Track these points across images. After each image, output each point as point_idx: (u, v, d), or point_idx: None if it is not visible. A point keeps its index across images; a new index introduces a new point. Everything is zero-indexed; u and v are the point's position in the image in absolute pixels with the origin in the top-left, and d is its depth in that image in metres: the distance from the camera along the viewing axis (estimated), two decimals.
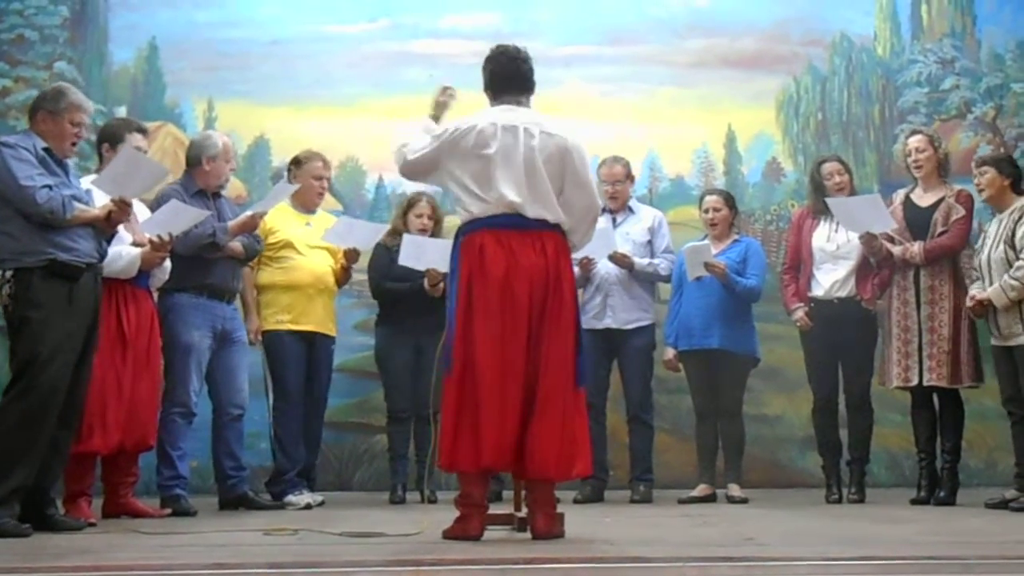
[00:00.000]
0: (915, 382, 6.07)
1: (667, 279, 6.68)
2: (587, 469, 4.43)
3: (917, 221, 6.18)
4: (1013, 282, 5.64)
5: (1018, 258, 5.67)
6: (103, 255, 4.97)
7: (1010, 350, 5.74)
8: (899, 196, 6.39)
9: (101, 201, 4.95)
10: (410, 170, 4.60)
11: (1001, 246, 5.77)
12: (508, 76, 4.50)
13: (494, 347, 4.21)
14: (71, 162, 5.07)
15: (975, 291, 5.86)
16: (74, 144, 4.93)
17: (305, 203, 6.33)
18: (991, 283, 5.76)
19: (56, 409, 4.67)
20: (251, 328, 6.18)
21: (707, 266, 6.34)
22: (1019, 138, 7.82)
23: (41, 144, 4.80)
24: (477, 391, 4.19)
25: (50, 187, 4.68)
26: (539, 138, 4.37)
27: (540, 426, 4.19)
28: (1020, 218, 5.76)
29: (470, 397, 4.20)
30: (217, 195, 5.99)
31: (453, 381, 4.26)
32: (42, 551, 4.00)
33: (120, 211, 4.86)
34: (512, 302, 4.24)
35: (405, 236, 6.22)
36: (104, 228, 4.89)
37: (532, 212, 4.32)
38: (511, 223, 4.31)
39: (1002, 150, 7.37)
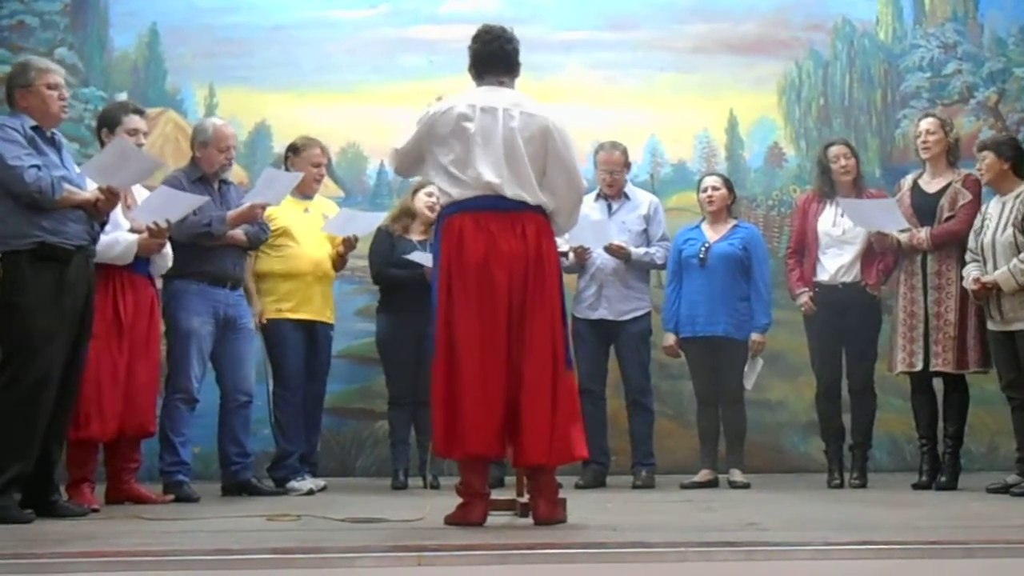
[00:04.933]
0: (919, 367, 6.04)
1: (663, 267, 6.68)
2: (583, 452, 4.41)
3: (924, 207, 6.15)
4: (1023, 266, 5.63)
5: None
6: (95, 238, 4.90)
7: (1011, 335, 5.72)
8: (907, 182, 6.35)
9: (94, 186, 4.89)
10: (400, 163, 4.54)
11: (1009, 229, 5.72)
12: (492, 56, 4.44)
13: (474, 333, 4.19)
14: (66, 144, 5.02)
15: (977, 273, 5.81)
16: (62, 108, 4.85)
17: (303, 189, 6.29)
18: (995, 266, 5.72)
19: (50, 396, 4.62)
20: (254, 314, 6.14)
21: (754, 351, 6.42)
22: (1021, 123, 7.77)
23: (30, 123, 4.73)
24: (460, 378, 4.18)
25: (38, 167, 4.62)
26: (519, 119, 4.31)
27: (530, 412, 4.17)
28: None
29: (454, 384, 4.19)
30: (225, 182, 5.99)
31: (438, 368, 4.24)
32: (45, 537, 4.00)
33: (107, 200, 4.81)
34: (491, 287, 4.21)
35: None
36: (93, 213, 4.82)
37: (511, 193, 4.27)
38: (490, 205, 4.26)
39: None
